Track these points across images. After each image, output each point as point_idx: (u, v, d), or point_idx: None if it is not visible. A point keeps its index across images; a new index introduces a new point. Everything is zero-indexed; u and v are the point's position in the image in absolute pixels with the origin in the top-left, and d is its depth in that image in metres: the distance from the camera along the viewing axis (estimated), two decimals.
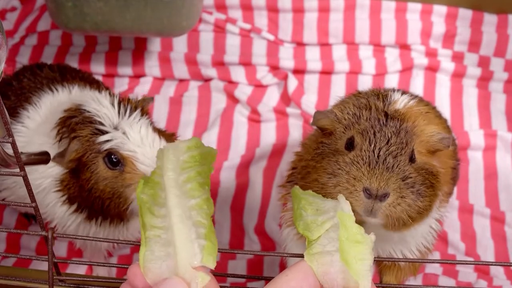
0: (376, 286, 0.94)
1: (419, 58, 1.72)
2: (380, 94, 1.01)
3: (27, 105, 1.24)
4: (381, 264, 1.11)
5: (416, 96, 1.16)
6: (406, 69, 1.72)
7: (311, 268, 0.77)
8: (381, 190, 0.85)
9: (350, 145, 0.91)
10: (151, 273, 0.77)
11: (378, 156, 0.87)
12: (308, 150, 1.01)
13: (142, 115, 1.10)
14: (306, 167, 0.97)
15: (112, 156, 1.06)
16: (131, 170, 1.05)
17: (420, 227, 0.98)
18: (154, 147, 1.07)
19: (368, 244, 0.77)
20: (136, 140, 1.06)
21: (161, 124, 1.65)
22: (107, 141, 1.06)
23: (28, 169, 1.08)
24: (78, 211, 1.12)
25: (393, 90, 1.08)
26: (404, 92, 1.11)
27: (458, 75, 1.72)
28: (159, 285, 0.76)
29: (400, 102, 0.99)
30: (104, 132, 1.07)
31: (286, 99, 1.70)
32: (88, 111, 1.09)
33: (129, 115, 1.09)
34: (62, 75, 1.33)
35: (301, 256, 0.79)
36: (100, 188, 1.07)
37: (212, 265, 0.77)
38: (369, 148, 0.88)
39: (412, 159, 0.90)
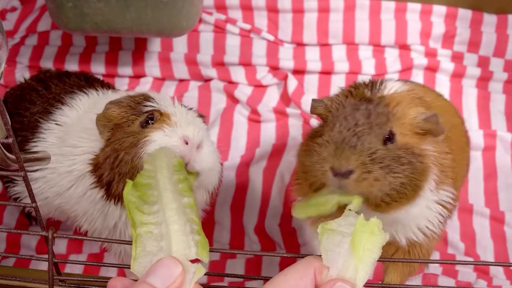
0: (376, 286, 0.94)
1: (419, 58, 1.72)
2: (374, 82, 1.04)
3: (60, 105, 1.26)
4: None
5: (415, 84, 1.17)
6: (406, 69, 1.72)
7: (311, 268, 0.78)
8: (343, 168, 0.90)
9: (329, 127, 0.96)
10: (142, 268, 0.77)
11: (344, 138, 0.92)
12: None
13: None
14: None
15: (149, 116, 1.07)
16: (162, 121, 1.06)
17: (413, 209, 0.99)
18: (192, 120, 1.10)
19: (381, 239, 0.78)
20: (179, 110, 1.10)
21: None
22: (151, 106, 1.09)
23: (63, 158, 1.14)
24: (98, 185, 1.10)
25: (395, 80, 1.10)
26: (406, 81, 1.13)
27: (457, 75, 1.72)
28: (153, 267, 0.75)
29: (390, 88, 1.02)
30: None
31: (286, 99, 1.70)
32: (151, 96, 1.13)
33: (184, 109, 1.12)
34: (89, 83, 1.35)
35: (302, 256, 0.80)
36: (122, 142, 1.06)
37: (206, 259, 0.79)
38: (338, 130, 0.93)
39: (389, 139, 0.94)
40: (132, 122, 1.08)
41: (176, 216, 0.80)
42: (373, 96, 0.98)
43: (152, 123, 1.06)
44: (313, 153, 0.95)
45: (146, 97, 1.12)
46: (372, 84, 1.03)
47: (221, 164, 1.18)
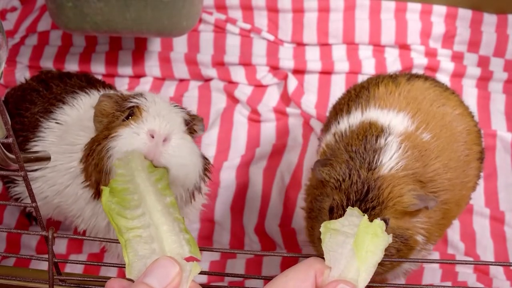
0: (374, 286, 0.94)
1: (419, 58, 1.72)
2: (369, 155, 1.06)
3: (61, 104, 1.25)
4: None
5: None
6: (406, 69, 1.72)
7: (312, 270, 0.78)
8: None
9: (331, 212, 1.04)
10: (137, 272, 0.77)
11: None
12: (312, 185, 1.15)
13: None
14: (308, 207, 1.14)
15: (130, 112, 1.05)
16: (136, 117, 1.03)
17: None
18: (163, 112, 1.05)
19: (384, 241, 0.78)
20: (154, 104, 1.07)
21: None
22: (135, 102, 1.07)
23: (62, 156, 1.14)
24: (86, 184, 1.10)
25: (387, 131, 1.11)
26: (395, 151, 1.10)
27: (457, 75, 1.72)
28: (150, 267, 0.75)
29: (386, 167, 1.04)
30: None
31: (286, 99, 1.70)
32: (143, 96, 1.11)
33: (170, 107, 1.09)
34: (91, 84, 1.35)
35: (302, 255, 0.80)
36: (100, 134, 1.06)
37: (199, 256, 0.79)
38: None
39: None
40: (117, 118, 1.07)
41: (164, 218, 0.80)
42: (369, 178, 1.02)
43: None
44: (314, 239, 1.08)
45: (136, 95, 1.10)
46: (369, 158, 1.05)
47: (207, 160, 1.13)
